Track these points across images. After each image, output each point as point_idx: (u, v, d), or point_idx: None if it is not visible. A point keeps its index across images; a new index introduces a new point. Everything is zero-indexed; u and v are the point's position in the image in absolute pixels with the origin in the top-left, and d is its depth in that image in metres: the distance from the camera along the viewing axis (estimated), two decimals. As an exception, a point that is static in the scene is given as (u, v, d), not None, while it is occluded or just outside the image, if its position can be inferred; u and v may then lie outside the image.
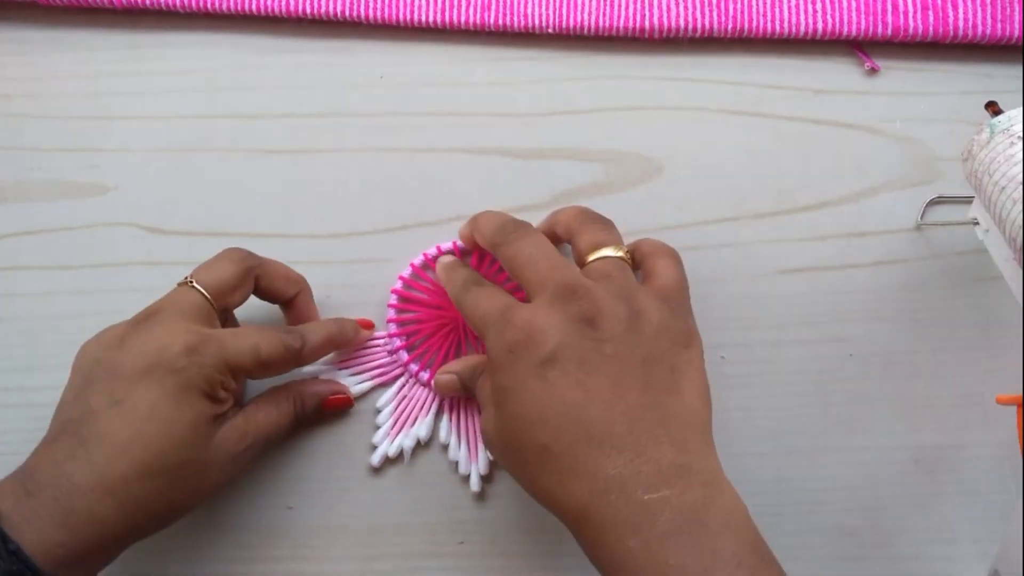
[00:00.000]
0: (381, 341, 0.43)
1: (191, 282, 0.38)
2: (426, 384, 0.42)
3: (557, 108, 0.45)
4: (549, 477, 0.33)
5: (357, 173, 0.45)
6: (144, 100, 0.45)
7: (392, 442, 0.42)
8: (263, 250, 0.43)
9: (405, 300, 0.43)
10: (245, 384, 0.42)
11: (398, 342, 0.42)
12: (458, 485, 0.42)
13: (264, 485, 0.42)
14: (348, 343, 0.42)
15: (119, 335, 0.36)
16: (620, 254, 0.37)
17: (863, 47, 0.45)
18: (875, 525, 0.42)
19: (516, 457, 0.34)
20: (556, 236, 0.40)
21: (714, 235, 0.44)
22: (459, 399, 0.42)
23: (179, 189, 0.44)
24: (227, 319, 0.40)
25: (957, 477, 0.42)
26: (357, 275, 0.43)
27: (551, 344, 0.33)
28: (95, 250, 0.44)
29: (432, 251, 0.43)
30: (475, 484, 0.41)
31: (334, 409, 0.41)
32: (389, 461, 0.42)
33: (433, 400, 0.42)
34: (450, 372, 0.41)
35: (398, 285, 0.43)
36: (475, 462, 0.41)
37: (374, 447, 0.42)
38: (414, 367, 0.42)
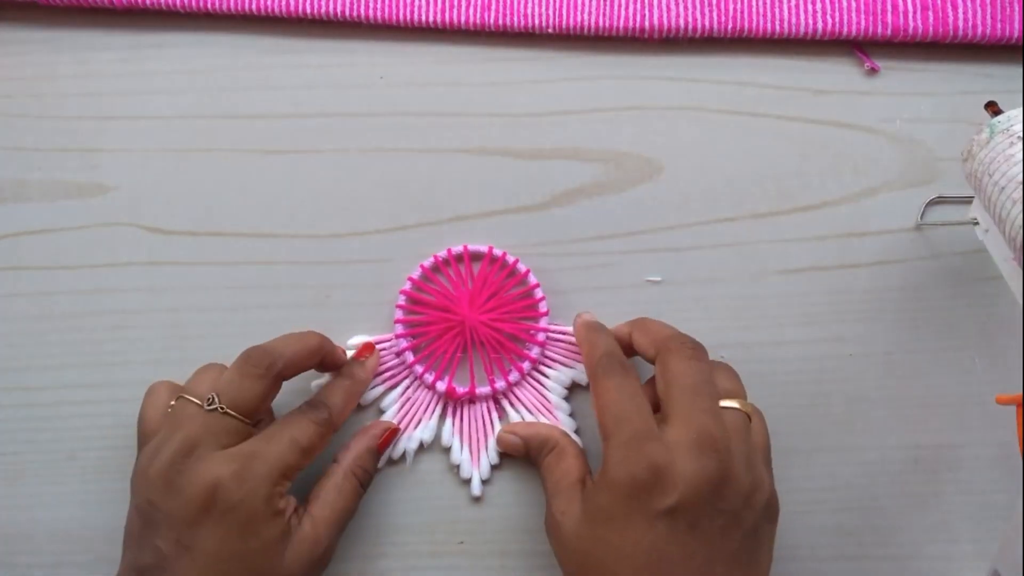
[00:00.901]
0: (388, 343, 0.43)
1: (220, 407, 0.36)
2: (431, 387, 0.42)
3: (557, 108, 0.45)
4: None
5: (357, 173, 0.45)
6: (144, 100, 0.45)
7: (395, 444, 0.42)
8: (263, 250, 0.44)
9: (413, 301, 0.43)
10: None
11: (404, 343, 0.42)
12: (458, 485, 0.42)
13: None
14: (365, 385, 0.41)
15: (163, 474, 0.35)
16: (748, 410, 0.37)
17: (863, 47, 0.45)
18: (874, 525, 0.42)
19: (581, 568, 0.35)
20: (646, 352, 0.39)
21: (714, 235, 0.44)
22: (463, 403, 0.42)
23: (179, 189, 0.44)
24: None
25: (957, 477, 0.42)
26: (357, 275, 0.43)
27: (675, 499, 0.33)
28: (95, 250, 0.44)
29: (443, 253, 0.43)
30: (476, 489, 0.41)
31: (388, 447, 0.41)
32: (390, 462, 0.42)
33: (437, 403, 0.42)
34: (516, 435, 0.41)
35: (407, 286, 0.43)
36: (477, 467, 0.42)
37: None
38: (419, 369, 0.42)
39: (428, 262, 0.43)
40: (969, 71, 0.45)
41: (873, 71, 0.45)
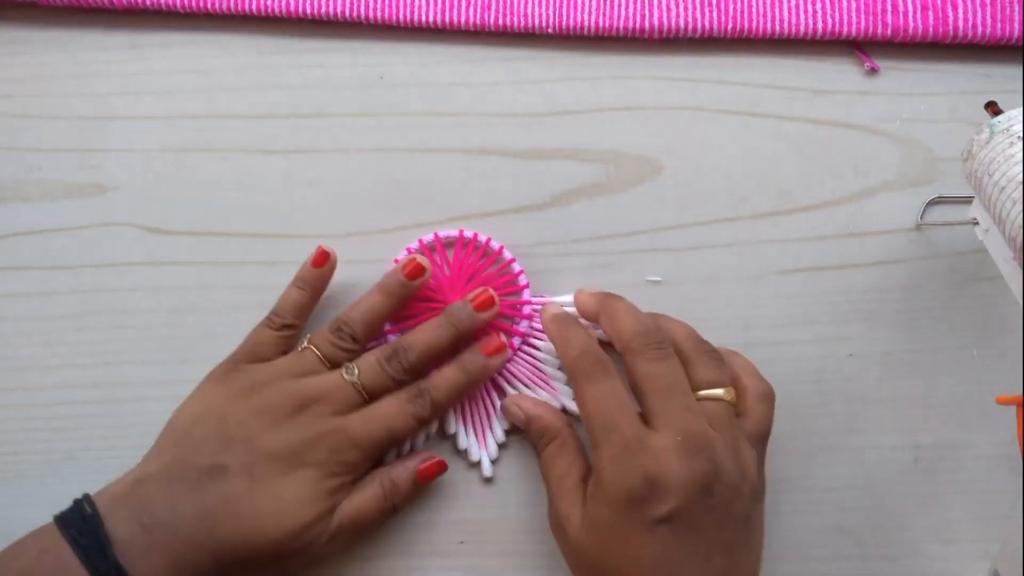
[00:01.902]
0: (377, 340, 0.43)
1: (356, 382, 0.39)
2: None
3: (557, 108, 0.45)
4: None
5: (357, 173, 0.45)
6: (144, 100, 0.45)
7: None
8: (263, 250, 0.44)
9: None
10: None
11: (393, 338, 0.42)
12: (458, 484, 0.42)
13: (264, 485, 0.42)
14: (479, 382, 0.41)
15: (271, 409, 0.38)
16: (731, 398, 0.37)
17: (863, 47, 0.45)
18: (875, 525, 0.42)
19: (590, 573, 0.36)
20: None
21: (714, 235, 0.44)
22: None
23: (179, 189, 0.44)
24: None
25: (957, 477, 0.42)
26: (357, 275, 0.43)
27: (671, 505, 0.34)
28: (95, 250, 0.44)
29: (414, 244, 0.43)
30: (487, 470, 0.42)
31: (429, 479, 0.40)
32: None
33: None
34: (521, 411, 0.41)
35: None
36: (484, 448, 0.42)
37: None
38: None
39: (402, 256, 0.43)
40: (969, 71, 0.45)
41: (873, 71, 0.45)
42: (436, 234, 0.43)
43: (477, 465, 0.42)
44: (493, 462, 0.42)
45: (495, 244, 0.43)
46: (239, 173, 0.45)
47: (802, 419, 0.43)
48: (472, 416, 0.42)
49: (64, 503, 0.36)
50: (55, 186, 0.45)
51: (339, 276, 0.43)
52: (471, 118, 0.45)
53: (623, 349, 0.38)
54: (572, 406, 0.42)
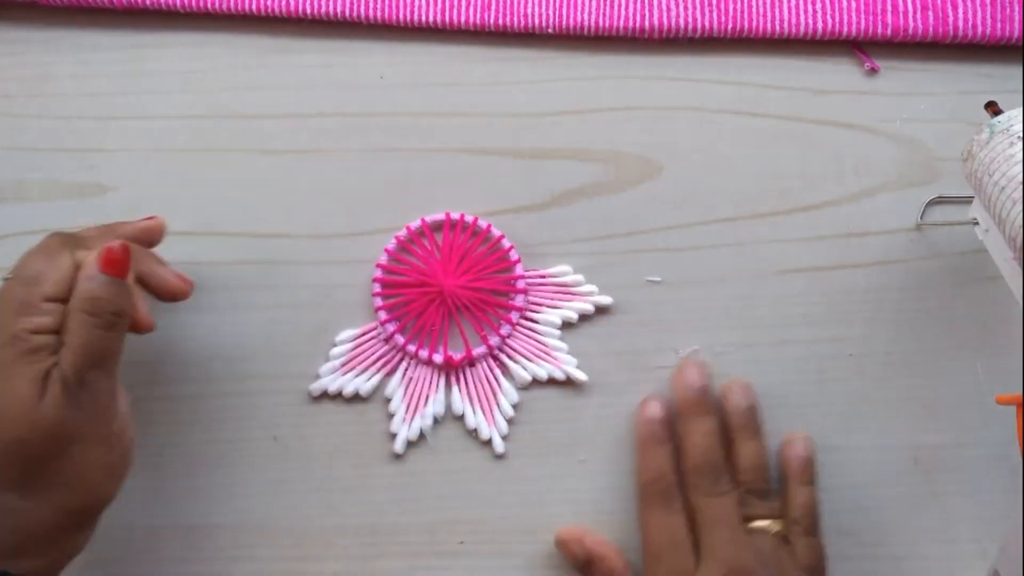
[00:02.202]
0: (375, 332, 0.43)
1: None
2: (428, 362, 0.43)
3: (557, 108, 0.45)
4: None
5: (357, 173, 0.45)
6: (144, 100, 0.45)
7: (410, 426, 0.42)
8: (264, 250, 0.44)
9: (388, 286, 0.43)
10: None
11: (391, 327, 0.43)
12: (458, 484, 0.42)
13: (264, 485, 0.42)
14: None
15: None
16: (778, 529, 0.39)
17: (863, 47, 0.45)
18: (875, 525, 0.42)
19: None
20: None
21: (714, 235, 0.44)
22: (464, 369, 0.43)
23: (179, 189, 0.44)
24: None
25: (957, 477, 0.42)
26: (357, 275, 0.43)
27: None
28: (95, 250, 0.44)
29: (403, 233, 0.43)
30: (500, 446, 0.42)
31: (117, 265, 0.35)
32: (393, 459, 0.42)
33: (439, 376, 0.43)
34: (583, 545, 0.41)
35: (378, 273, 0.43)
36: (493, 425, 0.42)
37: (393, 435, 0.42)
38: (412, 348, 0.43)
39: (392, 245, 0.43)
40: (969, 71, 0.45)
41: (873, 71, 0.45)
42: (423, 219, 0.43)
43: (488, 443, 0.42)
44: (504, 438, 0.42)
45: (483, 223, 0.43)
46: (239, 173, 0.45)
47: (802, 419, 0.43)
48: (478, 394, 0.43)
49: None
50: (55, 186, 0.45)
51: (338, 277, 0.43)
52: (471, 118, 0.45)
53: (684, 473, 0.40)
54: (576, 374, 0.42)
